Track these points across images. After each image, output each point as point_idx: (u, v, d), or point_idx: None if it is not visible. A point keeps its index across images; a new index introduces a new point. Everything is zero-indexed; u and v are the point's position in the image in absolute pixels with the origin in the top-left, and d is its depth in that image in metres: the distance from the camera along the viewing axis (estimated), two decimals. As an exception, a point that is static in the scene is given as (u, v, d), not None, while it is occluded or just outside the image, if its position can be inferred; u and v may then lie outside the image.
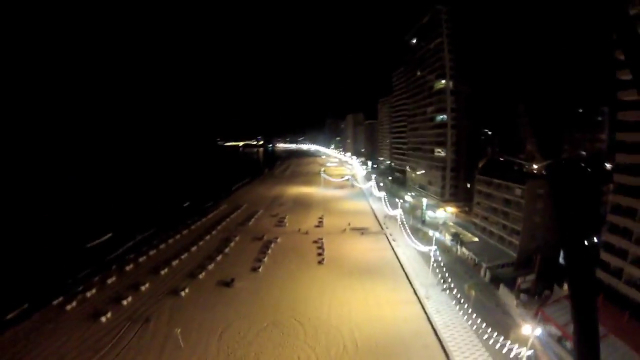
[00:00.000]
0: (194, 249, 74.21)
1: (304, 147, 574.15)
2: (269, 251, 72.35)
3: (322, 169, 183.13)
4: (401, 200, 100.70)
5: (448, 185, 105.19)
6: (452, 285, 53.17)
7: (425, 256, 66.97)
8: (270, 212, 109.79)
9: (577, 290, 12.33)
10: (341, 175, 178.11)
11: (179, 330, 40.99)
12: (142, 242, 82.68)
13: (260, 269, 63.23)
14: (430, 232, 74.44)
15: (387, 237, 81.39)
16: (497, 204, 68.18)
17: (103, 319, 46.17)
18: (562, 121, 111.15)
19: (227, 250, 73.10)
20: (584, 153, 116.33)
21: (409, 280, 57.94)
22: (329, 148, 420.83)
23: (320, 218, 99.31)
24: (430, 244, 59.02)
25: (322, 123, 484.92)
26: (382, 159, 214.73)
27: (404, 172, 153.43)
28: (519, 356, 33.86)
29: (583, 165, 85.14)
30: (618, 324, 38.23)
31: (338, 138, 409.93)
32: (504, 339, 37.10)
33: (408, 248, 72.91)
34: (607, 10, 9.43)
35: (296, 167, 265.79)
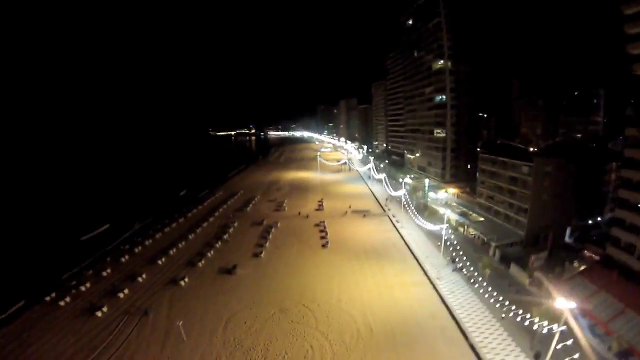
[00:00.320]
0: (191, 236, 71.27)
1: (297, 134, 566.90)
2: (270, 236, 69.90)
3: (318, 154, 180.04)
4: (401, 182, 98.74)
5: (449, 166, 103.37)
6: (464, 265, 51.67)
7: (432, 237, 65.44)
8: (267, 197, 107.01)
9: None
10: (337, 160, 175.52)
11: (181, 322, 38.25)
12: (137, 232, 79.37)
13: (262, 255, 60.81)
14: (442, 210, 72.44)
15: (390, 219, 79.51)
16: (503, 182, 66.50)
17: (99, 313, 43.29)
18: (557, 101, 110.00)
19: (226, 236, 70.30)
20: (579, 135, 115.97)
21: (418, 262, 56.18)
22: (321, 134, 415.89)
23: (319, 201, 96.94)
24: (436, 224, 57.26)
25: (314, 110, 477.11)
26: (377, 143, 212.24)
27: (401, 155, 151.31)
28: (549, 333, 32.29)
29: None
30: (634, 298, 37.22)
31: (331, 124, 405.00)
32: (530, 316, 35.67)
33: (413, 229, 71.20)
34: None
35: (290, 153, 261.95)
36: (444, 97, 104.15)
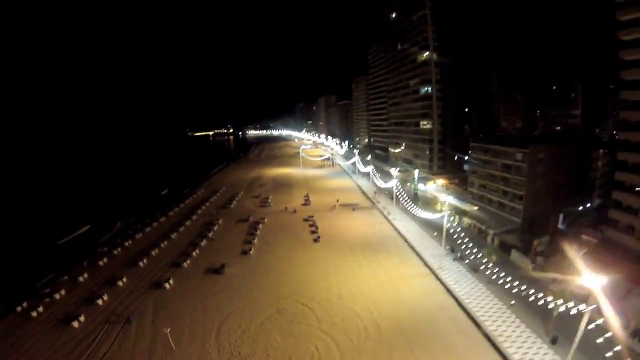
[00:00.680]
0: (174, 235, 66.17)
1: (275, 132, 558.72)
2: (258, 232, 66.03)
3: (301, 149, 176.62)
4: (391, 173, 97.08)
5: (436, 157, 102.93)
6: (464, 254, 50.18)
7: (427, 227, 63.80)
8: (251, 194, 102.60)
9: None
10: (319, 155, 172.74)
11: (169, 329, 33.97)
12: (117, 233, 73.35)
13: (251, 252, 56.91)
14: (442, 197, 70.95)
15: (380, 212, 77.50)
16: (496, 170, 65.95)
17: (75, 323, 38.11)
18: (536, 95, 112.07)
19: (211, 234, 65.76)
20: (558, 128, 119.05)
21: (416, 253, 54.22)
22: (301, 132, 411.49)
23: (305, 196, 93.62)
24: (430, 213, 55.53)
25: (293, 108, 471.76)
26: (358, 138, 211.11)
27: (384, 149, 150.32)
28: (565, 315, 30.90)
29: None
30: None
31: (310, 122, 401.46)
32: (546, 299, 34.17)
33: (407, 220, 69.40)
34: None
35: (270, 150, 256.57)
36: (429, 88, 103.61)
